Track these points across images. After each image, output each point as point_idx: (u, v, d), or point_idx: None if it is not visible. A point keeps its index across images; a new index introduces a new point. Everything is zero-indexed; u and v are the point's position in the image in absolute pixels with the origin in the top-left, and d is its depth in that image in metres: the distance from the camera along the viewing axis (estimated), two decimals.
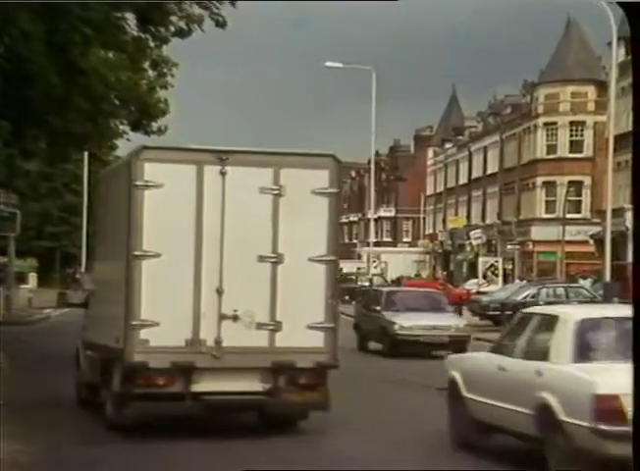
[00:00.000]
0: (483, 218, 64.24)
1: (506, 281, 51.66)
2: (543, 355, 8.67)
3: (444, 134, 76.36)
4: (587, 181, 51.92)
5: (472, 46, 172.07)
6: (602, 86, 48.54)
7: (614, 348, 8.34)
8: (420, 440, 10.31)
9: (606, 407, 7.66)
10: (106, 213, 11.82)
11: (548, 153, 53.46)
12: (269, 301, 10.15)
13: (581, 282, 29.29)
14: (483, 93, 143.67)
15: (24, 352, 19.40)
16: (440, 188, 75.73)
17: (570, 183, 51.33)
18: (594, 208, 49.03)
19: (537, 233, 52.80)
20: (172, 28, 18.41)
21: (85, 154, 47.77)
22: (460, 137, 71.53)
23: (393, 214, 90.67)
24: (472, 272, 60.28)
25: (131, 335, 9.90)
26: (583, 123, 52.47)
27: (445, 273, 68.69)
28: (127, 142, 25.84)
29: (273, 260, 10.18)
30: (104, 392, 10.73)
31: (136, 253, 9.96)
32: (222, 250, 10.11)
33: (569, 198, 48.96)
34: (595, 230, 43.51)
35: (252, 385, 10.21)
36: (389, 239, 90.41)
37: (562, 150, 52.93)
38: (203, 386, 10.09)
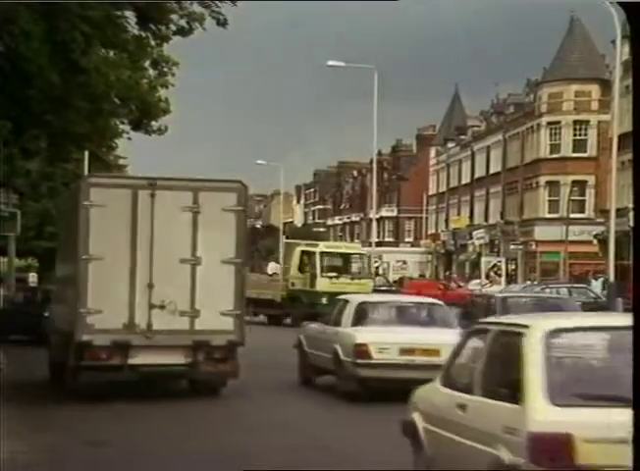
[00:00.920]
0: (486, 218, 64.08)
1: (509, 281, 51.54)
2: (338, 323, 14.43)
3: (446, 134, 76.20)
4: (591, 180, 51.74)
5: (475, 45, 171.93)
6: (606, 85, 48.38)
7: (378, 319, 14.73)
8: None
9: (360, 350, 13.35)
10: (63, 226, 14.79)
11: (551, 152, 53.30)
12: (189, 294, 13.09)
13: (593, 282, 29.08)
14: (486, 92, 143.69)
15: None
16: (442, 188, 75.58)
17: (574, 182, 51.15)
18: (598, 208, 48.85)
19: (540, 232, 52.63)
20: (172, 27, 18.29)
21: (86, 154, 47.73)
22: (463, 137, 71.38)
23: (395, 214, 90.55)
24: (475, 272, 60.15)
25: (80, 320, 12.80)
26: (587, 122, 52.30)
27: (448, 272, 68.54)
28: (127, 142, 25.74)
29: (192, 262, 13.15)
30: (64, 367, 13.52)
31: (84, 257, 12.90)
32: (152, 254, 13.02)
33: (573, 198, 48.81)
34: (599, 229, 43.34)
35: (177, 359, 13.12)
36: (391, 239, 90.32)
37: (566, 149, 52.75)
38: (137, 359, 12.95)
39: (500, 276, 53.98)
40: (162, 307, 13.01)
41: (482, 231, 63.64)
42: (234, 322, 13.15)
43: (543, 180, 53.67)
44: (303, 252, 33.56)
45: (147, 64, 20.44)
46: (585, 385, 5.89)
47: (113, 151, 50.32)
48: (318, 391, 14.72)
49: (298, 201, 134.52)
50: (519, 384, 5.83)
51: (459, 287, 49.25)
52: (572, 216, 46.69)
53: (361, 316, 14.52)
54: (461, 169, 70.48)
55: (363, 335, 13.83)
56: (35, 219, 51.76)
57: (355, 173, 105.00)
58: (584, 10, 53.35)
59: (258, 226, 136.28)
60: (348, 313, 14.66)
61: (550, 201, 53.24)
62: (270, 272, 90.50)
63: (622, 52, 29.48)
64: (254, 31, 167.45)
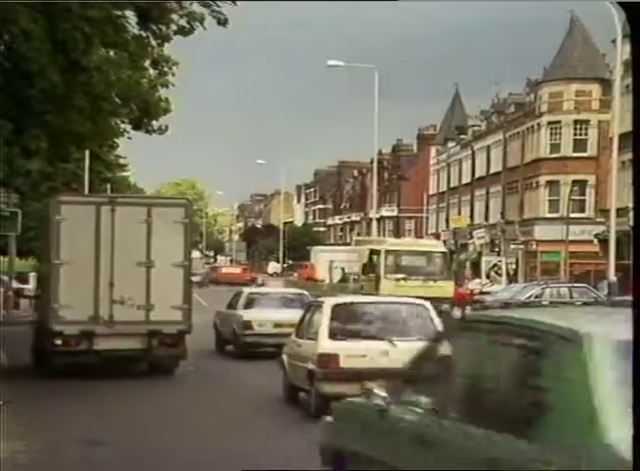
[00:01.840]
0: (486, 217, 64.06)
1: (510, 281, 51.51)
2: (235, 308, 18.46)
3: (447, 133, 76.18)
4: (591, 180, 51.71)
5: (475, 45, 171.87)
6: (606, 85, 48.34)
7: (261, 304, 20.13)
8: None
9: (246, 325, 18.63)
10: (40, 236, 17.69)
11: (551, 152, 53.27)
12: (145, 291, 15.74)
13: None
14: (486, 92, 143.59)
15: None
16: (443, 188, 75.56)
17: (574, 182, 51.11)
18: (598, 207, 48.82)
19: (541, 232, 52.61)
20: (173, 27, 18.27)
21: (86, 153, 47.70)
22: (463, 136, 71.37)
23: (395, 213, 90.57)
24: (475, 271, 60.11)
25: (53, 313, 15.53)
26: (587, 121, 52.28)
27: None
28: (128, 141, 25.73)
29: (147, 265, 15.78)
30: (42, 352, 16.19)
31: (56, 262, 15.59)
32: (112, 259, 15.68)
33: (573, 197, 48.77)
34: (599, 229, 43.31)
35: (134, 344, 15.79)
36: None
37: (566, 149, 52.72)
38: (101, 345, 15.64)
39: (500, 275, 53.97)
40: (122, 302, 15.74)
41: (482, 230, 63.63)
42: (182, 314, 16.02)
43: (543, 179, 53.66)
44: (372, 251, 30.17)
45: (148, 63, 20.42)
46: (350, 331, 12.33)
47: (113, 151, 50.38)
48: (225, 355, 20.73)
49: (299, 201, 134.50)
50: (318, 331, 12.25)
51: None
52: (573, 215, 46.64)
53: (249, 303, 20.91)
54: (462, 168, 70.47)
55: (249, 314, 20.00)
56: (36, 219, 51.83)
57: (356, 172, 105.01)
58: (584, 9, 53.45)
59: (258, 225, 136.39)
60: (242, 301, 20.96)
61: (550, 201, 53.22)
62: (270, 272, 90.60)
63: (623, 51, 29.45)
64: (255, 31, 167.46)
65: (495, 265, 55.51)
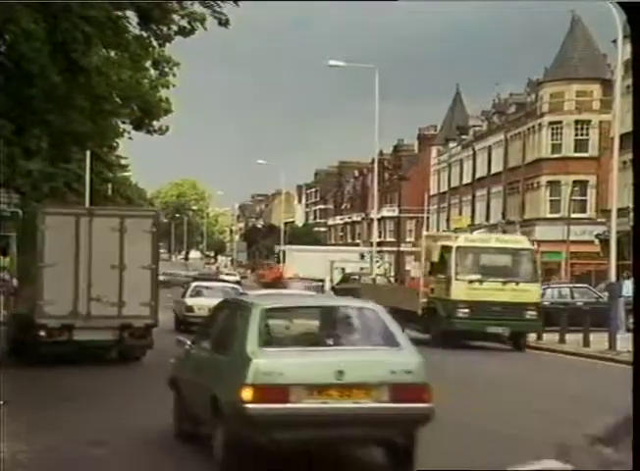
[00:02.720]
0: (487, 217, 64.03)
1: None
2: (184, 296, 26.10)
3: (448, 134, 76.15)
4: (592, 180, 51.66)
5: (476, 45, 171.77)
6: (607, 85, 48.29)
7: (204, 293, 28.00)
8: None
9: (188, 308, 27.21)
10: (27, 241, 19.17)
11: (552, 152, 53.23)
12: (118, 290, 17.91)
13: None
14: (487, 92, 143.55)
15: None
16: (444, 188, 75.53)
17: (575, 182, 51.09)
18: (599, 208, 48.79)
19: (542, 232, 52.54)
20: (174, 27, 18.25)
21: (87, 154, 47.67)
22: (464, 137, 71.33)
23: (396, 214, 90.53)
24: None
25: (38, 308, 17.58)
26: (588, 121, 52.24)
27: None
28: (129, 141, 25.74)
29: (120, 268, 17.97)
30: (24, 342, 18.16)
31: (41, 264, 17.67)
32: (90, 262, 17.81)
33: (574, 198, 48.74)
34: (600, 229, 43.26)
35: (108, 336, 17.92)
36: (392, 239, 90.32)
37: (567, 149, 52.68)
38: (79, 336, 17.69)
39: None
40: (98, 299, 17.87)
41: (483, 230, 63.60)
42: (149, 310, 18.16)
43: (544, 179, 53.63)
44: (443, 248, 25.61)
45: (149, 64, 20.43)
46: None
47: (114, 151, 50.36)
48: (179, 332, 23.53)
49: (300, 201, 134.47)
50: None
51: None
52: (574, 216, 46.60)
53: (195, 292, 28.12)
54: (463, 169, 70.43)
55: (192, 301, 27.21)
56: (20, 225, 51.74)
57: (356, 172, 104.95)
58: (585, 9, 53.40)
59: (259, 226, 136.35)
60: (189, 291, 28.44)
61: (551, 201, 53.18)
62: None
63: (624, 52, 29.41)
64: (255, 31, 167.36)
65: None
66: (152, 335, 18.27)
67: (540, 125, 54.07)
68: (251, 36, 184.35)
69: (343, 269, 66.83)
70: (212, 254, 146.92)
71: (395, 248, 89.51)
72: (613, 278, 28.27)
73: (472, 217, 67.29)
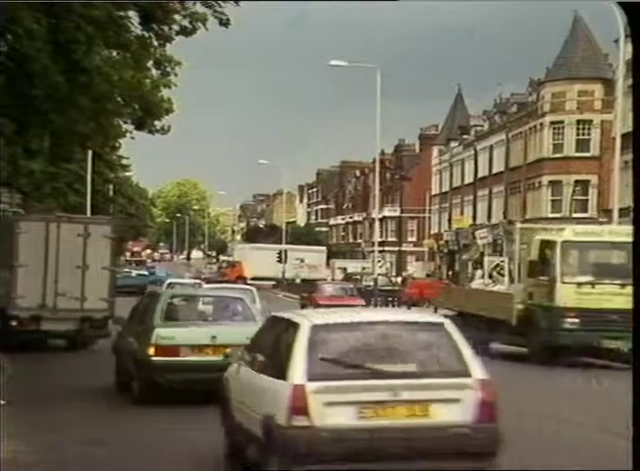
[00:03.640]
0: (489, 217, 64.05)
1: (512, 281, 51.39)
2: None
3: (449, 133, 76.16)
4: (594, 180, 51.67)
5: (478, 45, 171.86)
6: (609, 84, 48.31)
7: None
8: None
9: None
10: (2, 244, 21.10)
11: (554, 152, 53.23)
12: (80, 287, 20.56)
13: None
14: (489, 92, 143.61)
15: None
16: (445, 188, 75.55)
17: (577, 182, 51.12)
18: (600, 207, 48.81)
19: (543, 232, 52.55)
20: (175, 27, 18.26)
21: (89, 153, 47.68)
22: (466, 136, 71.33)
23: (397, 213, 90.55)
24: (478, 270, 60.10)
25: (11, 301, 20.26)
26: (590, 121, 52.24)
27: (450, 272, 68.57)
28: (130, 141, 25.75)
29: (83, 268, 20.63)
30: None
31: (15, 264, 20.34)
32: (57, 263, 20.47)
33: (576, 198, 48.77)
34: None
35: (71, 326, 20.52)
36: (394, 239, 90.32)
37: (569, 149, 52.69)
38: (46, 326, 20.32)
39: (503, 275, 53.89)
40: (63, 294, 20.39)
41: (485, 230, 63.60)
42: (107, 304, 20.80)
43: (546, 179, 53.63)
44: (544, 244, 21.52)
45: (150, 64, 20.42)
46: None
47: (116, 151, 50.36)
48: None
49: (301, 201, 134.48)
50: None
51: None
52: (575, 215, 46.65)
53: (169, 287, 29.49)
54: (464, 168, 70.44)
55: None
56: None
57: (358, 172, 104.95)
58: (587, 9, 53.38)
59: (261, 225, 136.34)
60: (164, 286, 30.12)
61: (553, 201, 53.20)
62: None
63: (625, 51, 29.42)
64: (257, 31, 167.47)
65: (497, 265, 55.43)
66: (109, 326, 20.34)
67: (541, 124, 54.07)
68: (253, 36, 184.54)
69: (344, 269, 66.96)
70: (214, 254, 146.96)
71: (396, 248, 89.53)
72: None
73: (474, 217, 67.31)
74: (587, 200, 52.05)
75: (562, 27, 55.47)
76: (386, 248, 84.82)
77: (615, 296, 19.07)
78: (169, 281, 35.82)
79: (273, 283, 74.97)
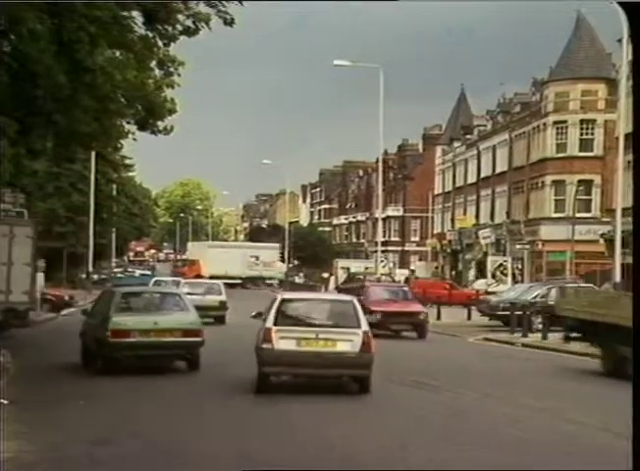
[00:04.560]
0: (492, 217, 63.99)
1: (515, 281, 51.42)
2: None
3: (452, 133, 76.09)
4: (597, 179, 51.59)
5: (481, 44, 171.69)
6: (612, 84, 48.24)
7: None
8: None
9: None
10: None
11: (557, 152, 53.15)
12: (6, 282, 23.01)
13: None
14: (492, 91, 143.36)
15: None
16: (448, 187, 75.47)
17: (580, 181, 51.03)
18: (604, 207, 48.71)
19: (546, 232, 52.52)
20: (179, 27, 18.24)
21: (92, 154, 47.70)
22: (469, 136, 71.27)
23: (401, 213, 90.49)
24: (481, 272, 60.04)
25: None
26: (593, 121, 52.17)
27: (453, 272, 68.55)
28: (133, 142, 25.74)
29: (8, 264, 23.10)
30: None
31: None
32: None
33: (579, 197, 48.69)
34: (605, 229, 43.24)
35: None
36: (396, 239, 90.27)
37: (572, 149, 52.61)
38: None
39: (506, 275, 53.89)
40: None
41: (488, 230, 63.56)
42: (28, 297, 23.71)
43: (549, 179, 53.56)
44: None
45: (153, 64, 20.42)
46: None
47: (119, 151, 50.37)
48: None
49: (304, 201, 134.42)
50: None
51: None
52: (578, 215, 46.55)
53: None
54: (467, 168, 70.38)
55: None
56: (42, 218, 51.89)
57: (361, 172, 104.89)
58: (590, 9, 53.29)
59: (264, 225, 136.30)
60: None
61: (556, 200, 53.10)
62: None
63: (629, 51, 29.38)
64: (260, 31, 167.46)
65: (500, 265, 55.43)
66: (29, 317, 24.41)
67: (545, 124, 54.00)
68: (256, 36, 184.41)
69: (348, 269, 66.87)
70: None
71: (399, 248, 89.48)
72: (617, 277, 28.25)
73: (477, 216, 67.24)
74: (590, 200, 51.97)
75: (566, 27, 55.48)
76: (389, 248, 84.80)
77: None
78: (155, 279, 41.07)
79: (276, 281, 74.86)
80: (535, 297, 31.95)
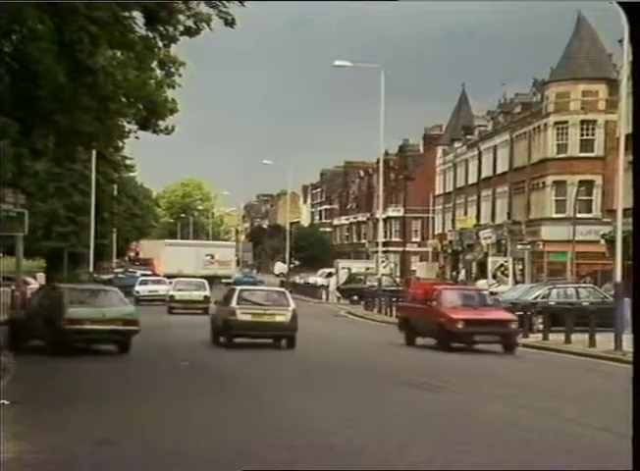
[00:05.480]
0: (493, 218, 64.00)
1: (516, 281, 51.42)
2: None
3: (453, 134, 76.11)
4: (598, 180, 51.60)
5: (482, 45, 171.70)
6: (613, 85, 48.27)
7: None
8: None
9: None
10: None
11: (558, 152, 53.17)
12: None
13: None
14: (493, 92, 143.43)
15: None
16: (449, 188, 75.49)
17: (581, 182, 51.02)
18: (605, 208, 48.72)
19: (547, 232, 52.53)
20: (180, 27, 18.24)
21: (93, 154, 47.72)
22: (470, 136, 71.28)
23: (401, 214, 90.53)
24: (482, 272, 60.04)
25: None
26: (594, 121, 52.18)
27: (455, 273, 68.53)
28: (134, 142, 25.77)
29: None
30: None
31: None
32: None
33: (580, 198, 48.69)
34: (606, 229, 43.24)
35: None
36: (398, 239, 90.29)
37: (573, 149, 52.63)
38: None
39: (507, 276, 53.91)
40: None
41: (489, 230, 63.56)
42: None
43: (550, 179, 53.57)
44: None
45: (154, 64, 20.43)
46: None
47: (120, 151, 50.39)
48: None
49: (305, 201, 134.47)
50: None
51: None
52: (579, 216, 46.56)
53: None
54: (468, 169, 70.39)
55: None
56: (43, 219, 51.90)
57: (362, 173, 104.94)
58: (591, 9, 53.29)
59: (265, 226, 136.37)
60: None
61: (557, 201, 53.12)
62: (277, 272, 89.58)
63: (629, 51, 29.37)
64: (261, 31, 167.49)
65: (501, 265, 55.44)
66: None
67: (546, 125, 54.01)
68: (257, 36, 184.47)
69: (349, 269, 66.88)
70: None
71: (400, 248, 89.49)
72: (618, 278, 28.23)
73: (478, 217, 67.25)
74: (591, 200, 51.98)
75: (567, 28, 55.45)
76: (390, 249, 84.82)
77: None
78: (142, 278, 50.26)
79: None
80: (536, 298, 31.96)
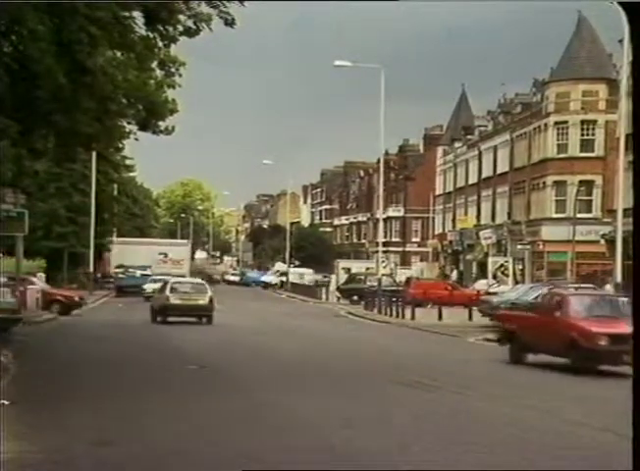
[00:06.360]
0: (493, 218, 64.00)
1: (517, 281, 51.41)
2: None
3: (453, 134, 76.11)
4: (598, 180, 51.62)
5: (482, 45, 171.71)
6: (613, 85, 48.27)
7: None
8: None
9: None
10: None
11: (558, 152, 53.18)
12: None
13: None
14: (493, 92, 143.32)
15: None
16: (449, 188, 75.50)
17: (581, 182, 51.03)
18: (605, 208, 48.74)
19: (547, 232, 52.54)
20: (180, 28, 18.22)
21: (93, 154, 47.73)
22: (470, 137, 71.28)
23: (402, 214, 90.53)
24: (482, 272, 60.04)
25: None
26: (594, 121, 52.19)
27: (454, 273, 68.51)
28: (134, 142, 25.75)
29: None
30: None
31: None
32: None
33: (580, 198, 48.69)
34: (606, 229, 43.25)
35: None
36: (398, 239, 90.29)
37: (573, 149, 52.64)
38: None
39: (507, 276, 53.90)
40: None
41: (489, 231, 63.56)
42: None
43: (550, 179, 53.58)
44: None
45: (154, 64, 20.41)
46: None
47: (120, 151, 50.40)
48: None
49: (305, 201, 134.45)
50: None
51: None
52: (579, 216, 46.55)
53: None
54: (468, 169, 70.40)
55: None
56: (43, 219, 51.97)
57: (362, 173, 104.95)
58: (591, 9, 53.29)
59: (265, 226, 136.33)
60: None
61: (557, 201, 53.13)
62: (275, 271, 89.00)
63: (629, 51, 29.38)
64: (261, 32, 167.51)
65: (501, 265, 55.44)
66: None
67: (546, 125, 54.02)
68: (256, 36, 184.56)
69: (349, 269, 66.89)
70: (218, 254, 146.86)
71: (400, 248, 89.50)
72: (618, 278, 28.26)
73: (478, 217, 67.25)
74: (591, 200, 51.99)
75: (567, 28, 55.45)
76: (390, 249, 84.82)
77: None
78: (151, 277, 52.33)
79: (276, 283, 74.49)
80: (536, 298, 31.94)
